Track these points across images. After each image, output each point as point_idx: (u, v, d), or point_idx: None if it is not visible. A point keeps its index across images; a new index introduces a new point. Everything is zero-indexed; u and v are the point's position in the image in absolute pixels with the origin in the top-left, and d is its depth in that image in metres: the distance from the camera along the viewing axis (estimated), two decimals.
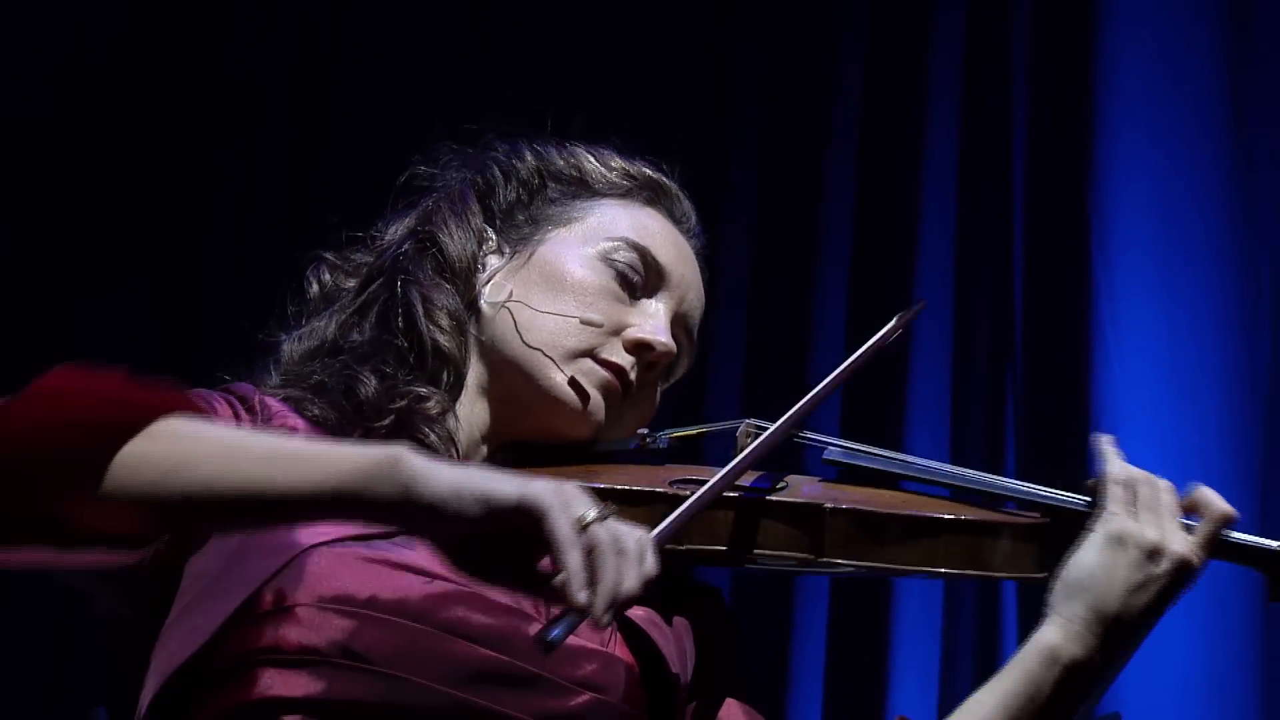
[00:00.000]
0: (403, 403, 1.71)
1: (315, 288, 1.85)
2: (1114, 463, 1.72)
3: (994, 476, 1.80)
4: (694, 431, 1.83)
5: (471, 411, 1.78)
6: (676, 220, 1.88)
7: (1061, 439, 3.11)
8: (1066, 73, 3.29)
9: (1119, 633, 1.65)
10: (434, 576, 1.55)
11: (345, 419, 1.70)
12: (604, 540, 1.40)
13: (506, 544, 1.44)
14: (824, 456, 1.80)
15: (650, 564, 1.41)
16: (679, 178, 1.91)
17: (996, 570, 1.70)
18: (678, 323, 1.83)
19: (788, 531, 1.67)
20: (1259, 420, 3.03)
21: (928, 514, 1.70)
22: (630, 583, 1.39)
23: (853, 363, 1.78)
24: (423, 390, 1.72)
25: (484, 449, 1.78)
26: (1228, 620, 2.93)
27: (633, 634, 1.63)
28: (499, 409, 1.79)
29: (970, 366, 3.28)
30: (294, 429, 1.67)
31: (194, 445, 1.44)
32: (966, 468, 1.84)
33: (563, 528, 1.39)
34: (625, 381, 1.78)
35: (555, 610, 1.43)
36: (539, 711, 1.53)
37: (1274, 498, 2.98)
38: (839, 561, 1.67)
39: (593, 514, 1.41)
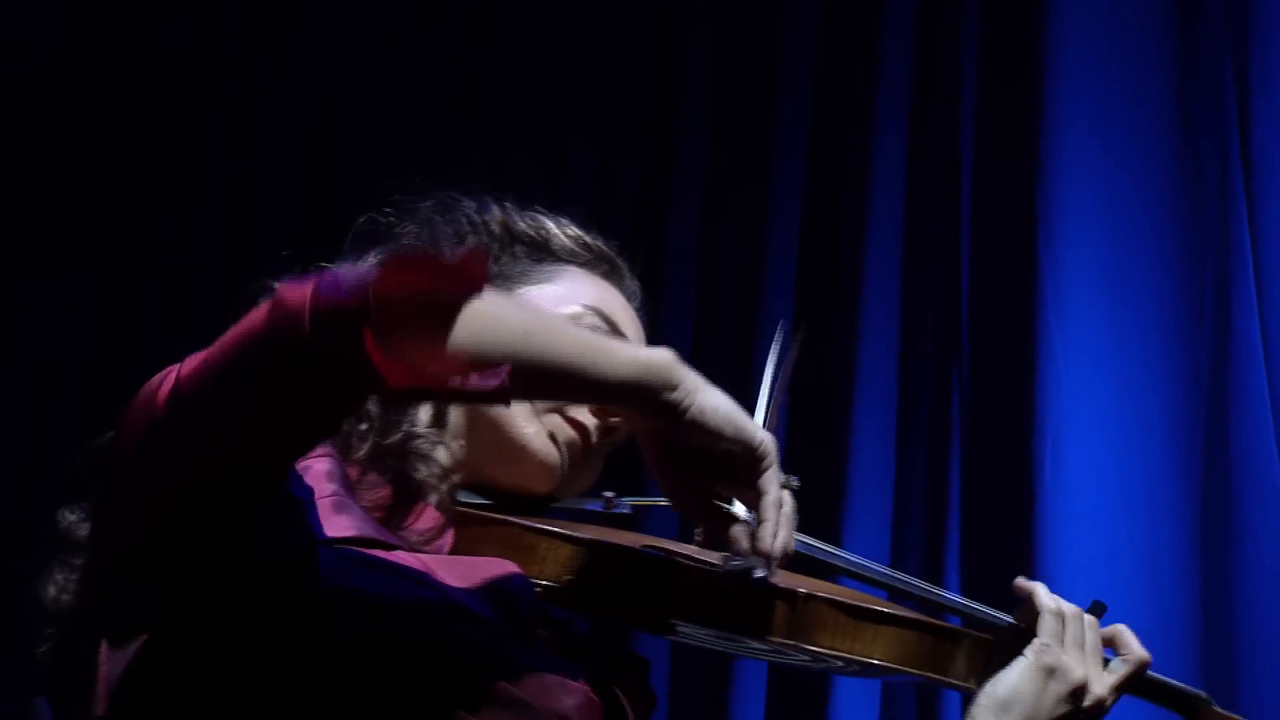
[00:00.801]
0: (397, 439, 1.75)
1: None
2: (1044, 594, 1.85)
3: (934, 587, 1.93)
4: (651, 502, 1.87)
5: (448, 450, 1.81)
6: (628, 298, 1.96)
7: (1007, 436, 3.12)
8: (1014, 75, 3.30)
9: None
10: (433, 586, 1.57)
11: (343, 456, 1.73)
12: (789, 504, 1.60)
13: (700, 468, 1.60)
14: None
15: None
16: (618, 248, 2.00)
17: (950, 676, 1.80)
18: None
19: (760, 613, 1.71)
20: (1202, 420, 3.05)
21: (899, 613, 1.77)
22: (793, 545, 1.61)
23: (771, 403, 1.82)
24: (415, 430, 1.77)
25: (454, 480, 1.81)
26: (1167, 612, 2.95)
27: (601, 683, 1.65)
28: (471, 451, 1.82)
29: (916, 362, 3.29)
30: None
31: (525, 317, 1.52)
32: (908, 572, 1.94)
33: (775, 480, 1.59)
34: (588, 443, 1.83)
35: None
36: None
37: (1216, 497, 3.00)
38: (806, 647, 1.72)
39: (784, 478, 1.60)
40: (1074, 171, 3.20)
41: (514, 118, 3.67)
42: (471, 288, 1.46)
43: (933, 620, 1.80)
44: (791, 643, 1.70)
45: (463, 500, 1.77)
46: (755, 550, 1.58)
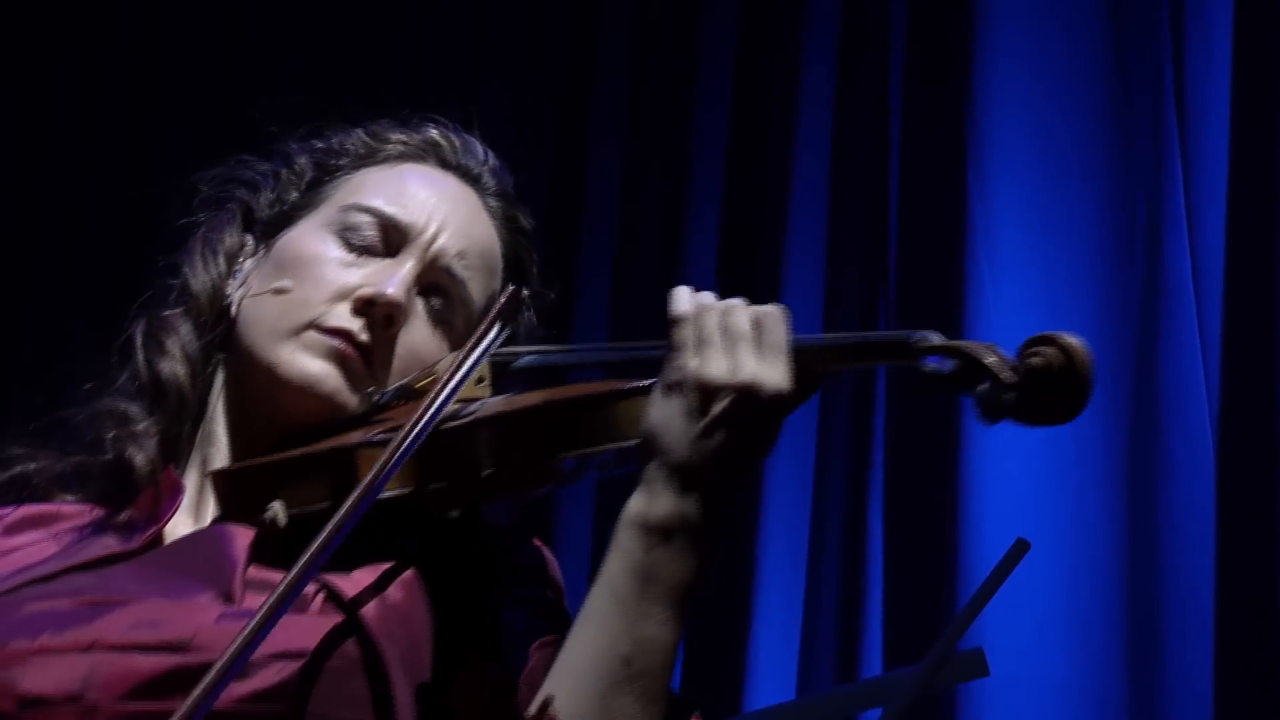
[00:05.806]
0: (109, 429, 1.67)
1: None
2: (680, 300, 1.54)
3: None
4: (418, 383, 1.70)
5: (239, 423, 1.71)
6: (448, 166, 1.77)
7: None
8: (945, 6, 3.25)
9: (704, 480, 1.49)
10: (108, 602, 1.52)
11: (73, 460, 1.68)
12: None
13: None
14: (514, 365, 1.69)
15: None
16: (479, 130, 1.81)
17: (630, 438, 1.54)
18: (433, 268, 1.71)
19: (451, 459, 1.57)
20: (1131, 356, 3.03)
21: (556, 398, 1.57)
22: None
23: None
24: (128, 411, 1.68)
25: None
26: (1092, 549, 2.93)
27: (338, 596, 1.54)
28: (255, 411, 1.70)
29: (842, 297, 3.25)
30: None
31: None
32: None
33: None
34: (358, 345, 1.67)
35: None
36: (231, 697, 1.44)
37: (1143, 433, 2.97)
38: (493, 471, 1.56)
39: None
40: (1005, 104, 3.17)
41: (428, 53, 3.62)
42: None
43: (588, 392, 1.57)
44: (485, 477, 1.54)
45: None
46: None
